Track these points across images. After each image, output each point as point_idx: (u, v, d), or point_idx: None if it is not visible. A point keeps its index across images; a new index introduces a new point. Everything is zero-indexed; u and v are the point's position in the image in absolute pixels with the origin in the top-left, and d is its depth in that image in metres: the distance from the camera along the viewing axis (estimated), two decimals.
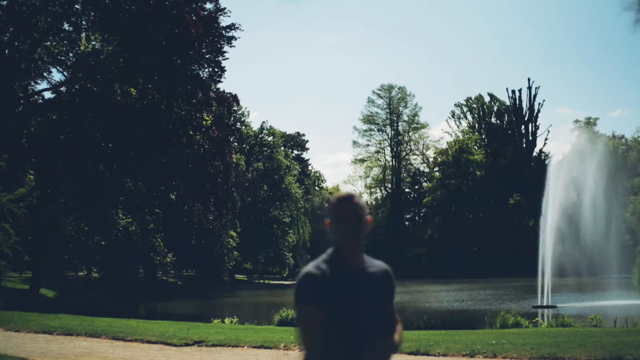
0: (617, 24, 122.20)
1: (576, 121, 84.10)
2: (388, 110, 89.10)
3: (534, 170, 71.66)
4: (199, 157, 29.21)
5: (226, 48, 30.13)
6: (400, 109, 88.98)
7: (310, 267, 2.61)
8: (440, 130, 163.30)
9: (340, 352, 2.54)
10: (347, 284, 2.57)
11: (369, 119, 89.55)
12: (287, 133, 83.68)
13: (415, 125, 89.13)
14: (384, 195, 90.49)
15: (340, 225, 2.60)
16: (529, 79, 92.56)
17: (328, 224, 2.63)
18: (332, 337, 2.53)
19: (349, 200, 2.63)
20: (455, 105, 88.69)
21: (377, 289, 2.67)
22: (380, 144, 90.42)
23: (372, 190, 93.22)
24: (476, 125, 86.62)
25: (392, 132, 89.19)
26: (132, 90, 29.75)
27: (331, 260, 2.63)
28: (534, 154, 78.87)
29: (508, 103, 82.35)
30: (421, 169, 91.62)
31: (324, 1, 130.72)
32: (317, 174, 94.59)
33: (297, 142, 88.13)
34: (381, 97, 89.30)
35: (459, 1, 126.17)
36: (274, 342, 11.06)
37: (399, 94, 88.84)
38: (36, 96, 30.48)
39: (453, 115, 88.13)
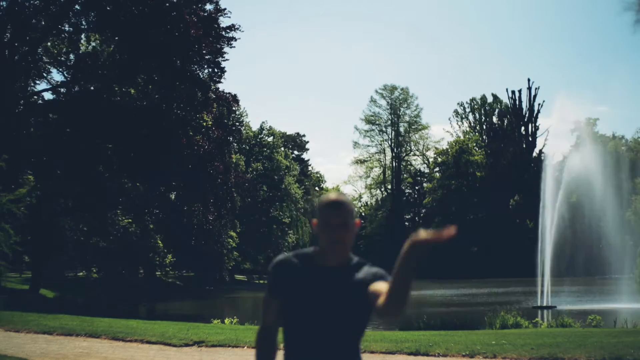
0: (617, 24, 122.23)
1: (576, 122, 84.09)
2: (390, 111, 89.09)
3: (534, 171, 71.67)
4: (198, 157, 29.22)
5: (226, 49, 30.15)
6: (402, 109, 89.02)
7: (282, 255, 2.63)
8: (440, 130, 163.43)
9: (287, 344, 2.56)
10: (307, 282, 2.51)
11: (370, 119, 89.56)
12: (287, 133, 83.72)
13: (416, 126, 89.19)
14: (384, 195, 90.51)
15: (326, 232, 2.48)
16: (528, 80, 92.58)
17: (315, 225, 2.55)
18: (286, 330, 2.56)
19: (337, 207, 2.48)
20: (458, 104, 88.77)
21: (340, 296, 2.47)
22: (381, 144, 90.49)
23: (372, 190, 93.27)
24: (477, 125, 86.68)
25: (393, 132, 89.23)
26: (132, 90, 29.76)
27: (307, 255, 2.59)
28: (534, 154, 78.92)
29: (508, 104, 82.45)
30: (421, 169, 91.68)
31: (324, 1, 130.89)
32: (318, 175, 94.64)
33: (297, 142, 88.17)
34: (383, 98, 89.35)
35: (459, 1, 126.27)
36: None
37: (402, 95, 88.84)
38: (36, 97, 30.50)
39: (457, 114, 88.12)
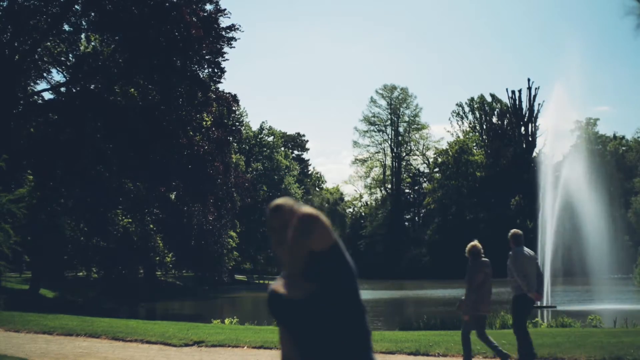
0: (618, 24, 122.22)
1: (576, 122, 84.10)
2: (389, 111, 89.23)
3: (534, 171, 71.68)
4: (198, 157, 29.22)
5: (226, 49, 30.15)
6: (402, 109, 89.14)
7: (274, 282, 2.58)
8: (440, 130, 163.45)
9: None
10: (272, 308, 2.49)
11: (370, 119, 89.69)
12: (287, 133, 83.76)
13: (415, 125, 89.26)
14: (384, 195, 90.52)
15: (270, 237, 2.46)
16: (528, 80, 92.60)
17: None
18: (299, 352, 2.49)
19: (275, 210, 2.42)
20: (457, 104, 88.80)
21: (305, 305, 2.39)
22: (380, 144, 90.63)
23: (372, 190, 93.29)
24: (477, 125, 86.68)
25: (393, 132, 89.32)
26: (133, 90, 29.76)
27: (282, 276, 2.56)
28: (534, 154, 78.92)
29: (508, 104, 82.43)
30: (421, 169, 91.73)
31: (324, 1, 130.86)
32: (318, 175, 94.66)
33: (297, 142, 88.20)
34: (383, 98, 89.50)
35: (459, 1, 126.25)
36: (274, 343, 11.05)
37: (401, 95, 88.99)
38: (36, 97, 30.48)
39: (457, 114, 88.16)
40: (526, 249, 9.17)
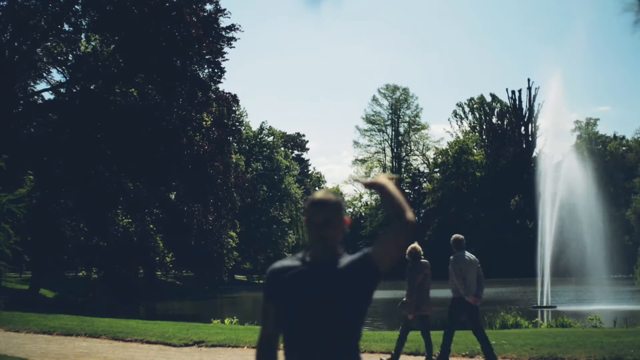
0: (617, 24, 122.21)
1: (577, 122, 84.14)
2: (390, 111, 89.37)
3: (534, 171, 71.72)
4: (198, 157, 29.20)
5: (226, 49, 30.15)
6: (403, 110, 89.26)
7: (277, 262, 2.67)
8: (440, 130, 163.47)
9: (286, 348, 2.56)
10: (300, 282, 2.53)
11: (371, 118, 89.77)
12: (287, 133, 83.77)
13: (416, 126, 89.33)
14: None
15: (311, 230, 2.55)
16: (528, 80, 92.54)
17: (305, 223, 2.62)
18: (285, 333, 2.57)
19: (320, 205, 2.55)
20: (457, 105, 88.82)
21: (330, 289, 2.48)
22: (380, 144, 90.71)
23: (373, 190, 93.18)
24: (477, 126, 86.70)
25: (393, 132, 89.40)
26: (133, 90, 29.75)
27: (299, 256, 2.64)
28: (534, 154, 78.95)
29: (507, 103, 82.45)
30: (421, 169, 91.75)
31: (324, 1, 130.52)
32: (318, 175, 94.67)
33: (297, 142, 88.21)
34: (385, 97, 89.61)
35: (459, 1, 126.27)
36: None
37: (402, 95, 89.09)
38: (36, 97, 30.48)
39: (455, 115, 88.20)
40: (467, 254, 9.51)
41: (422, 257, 9.58)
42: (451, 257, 9.45)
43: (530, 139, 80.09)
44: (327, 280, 2.50)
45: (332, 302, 2.47)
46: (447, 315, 9.64)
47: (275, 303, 2.58)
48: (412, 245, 9.54)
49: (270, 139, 69.44)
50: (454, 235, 9.64)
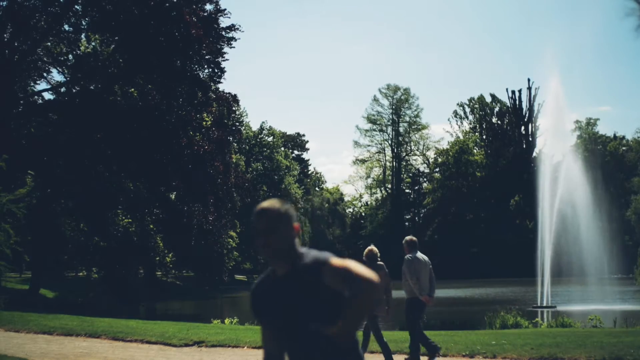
0: (618, 24, 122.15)
1: (577, 122, 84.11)
2: (391, 111, 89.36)
3: (534, 171, 71.73)
4: (198, 157, 29.19)
5: (226, 49, 30.11)
6: (403, 110, 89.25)
7: (258, 278, 2.76)
8: (440, 130, 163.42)
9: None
10: (267, 297, 2.62)
11: (372, 118, 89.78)
12: (287, 133, 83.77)
13: (416, 126, 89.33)
14: (384, 195, 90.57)
15: (255, 238, 2.59)
16: (528, 80, 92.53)
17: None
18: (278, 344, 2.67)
19: (260, 213, 2.57)
20: (458, 104, 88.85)
21: (296, 297, 2.52)
22: (381, 144, 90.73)
23: (373, 190, 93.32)
24: (477, 126, 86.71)
25: (393, 132, 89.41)
26: (133, 90, 29.74)
27: (267, 272, 2.71)
28: (534, 154, 78.95)
29: (507, 103, 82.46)
30: (421, 169, 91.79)
31: (324, 1, 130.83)
32: (318, 175, 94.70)
33: (297, 142, 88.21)
34: (386, 97, 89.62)
35: (459, 1, 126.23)
36: None
37: (403, 96, 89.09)
38: (36, 96, 30.48)
39: (455, 115, 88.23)
40: (420, 255, 9.72)
41: (379, 259, 9.64)
42: (405, 258, 9.61)
43: (530, 139, 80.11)
44: (286, 292, 2.54)
45: (303, 314, 2.51)
46: (406, 316, 9.71)
47: (261, 321, 2.70)
48: (369, 247, 9.73)
49: (270, 139, 69.44)
50: (408, 237, 9.87)
